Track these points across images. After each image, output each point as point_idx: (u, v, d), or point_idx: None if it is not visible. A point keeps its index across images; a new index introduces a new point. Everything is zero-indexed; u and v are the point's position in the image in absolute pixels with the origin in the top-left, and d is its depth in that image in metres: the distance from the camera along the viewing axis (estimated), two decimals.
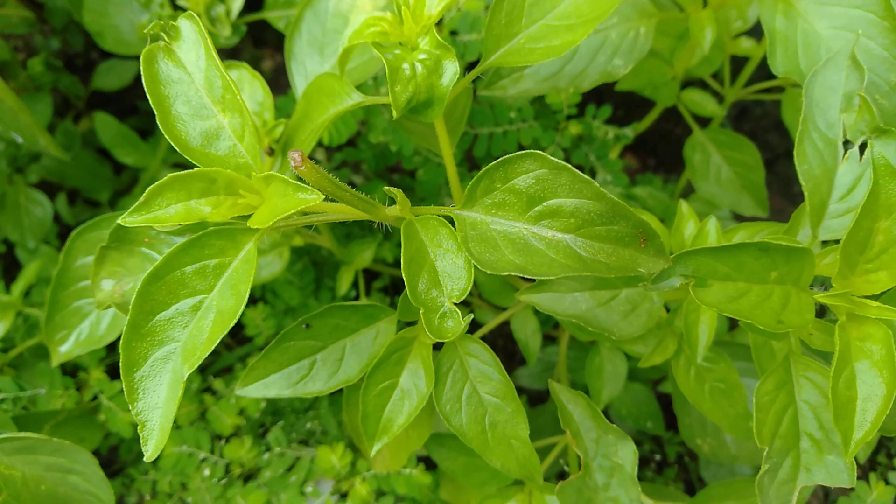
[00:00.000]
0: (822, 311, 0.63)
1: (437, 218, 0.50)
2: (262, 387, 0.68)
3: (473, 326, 1.24)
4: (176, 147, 0.50)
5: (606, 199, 0.46)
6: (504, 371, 0.65)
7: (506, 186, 0.48)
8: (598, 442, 0.69)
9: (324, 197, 0.45)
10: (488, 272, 0.47)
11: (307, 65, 0.74)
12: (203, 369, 1.20)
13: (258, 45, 1.33)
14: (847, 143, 0.61)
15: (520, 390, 1.25)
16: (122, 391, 1.01)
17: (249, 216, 0.48)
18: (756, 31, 0.98)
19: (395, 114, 0.56)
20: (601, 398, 0.87)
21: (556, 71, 0.76)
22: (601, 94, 1.25)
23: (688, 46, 0.90)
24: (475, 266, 0.49)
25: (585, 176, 0.45)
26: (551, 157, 0.46)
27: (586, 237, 0.47)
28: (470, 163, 1.14)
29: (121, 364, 0.47)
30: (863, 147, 0.61)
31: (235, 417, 1.07)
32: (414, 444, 0.76)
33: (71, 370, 1.08)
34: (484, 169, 0.48)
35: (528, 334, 0.92)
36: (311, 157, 0.50)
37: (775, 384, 0.60)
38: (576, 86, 0.76)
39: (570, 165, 0.46)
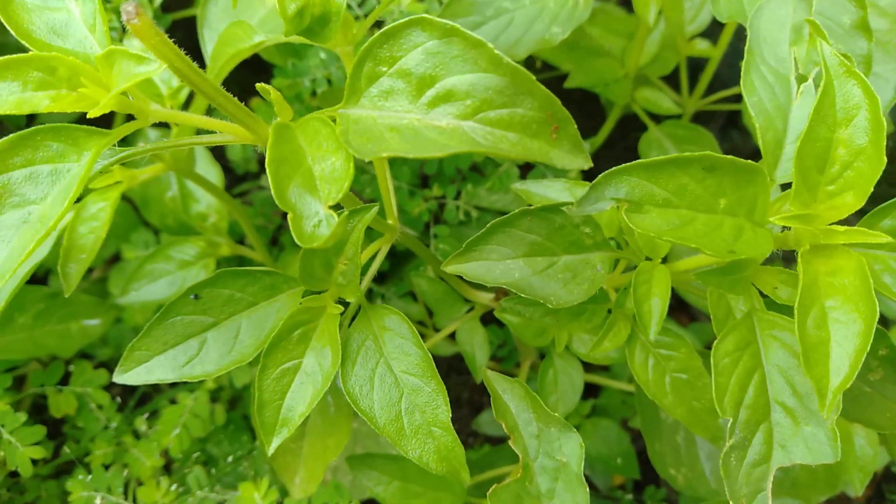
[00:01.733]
0: (788, 260, 0.55)
1: (318, 118, 0.43)
2: (144, 371, 0.58)
3: None
4: (18, 37, 0.43)
5: (504, 66, 0.38)
6: (423, 345, 0.55)
7: (393, 70, 0.41)
8: (539, 437, 0.59)
9: (164, 66, 0.38)
10: (366, 160, 0.39)
11: (220, 30, 0.68)
12: (121, 406, 1.08)
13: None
14: (800, 77, 0.55)
15: (485, 437, 1.13)
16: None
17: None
18: (713, 33, 0.94)
19: (286, 29, 0.49)
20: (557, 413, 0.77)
21: (490, 40, 0.70)
22: None
23: (637, 40, 0.85)
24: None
25: (477, 37, 0.38)
26: (440, 21, 0.39)
27: (486, 124, 0.39)
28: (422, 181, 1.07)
29: None
30: (818, 78, 0.54)
31: (156, 459, 0.95)
32: (331, 454, 0.65)
33: None
34: (365, 46, 0.41)
35: (474, 346, 0.82)
36: None
37: (736, 344, 0.50)
38: (512, 55, 0.70)
39: (460, 27, 0.39)
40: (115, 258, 1.18)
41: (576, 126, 0.40)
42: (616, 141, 1.19)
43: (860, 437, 0.84)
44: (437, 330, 0.96)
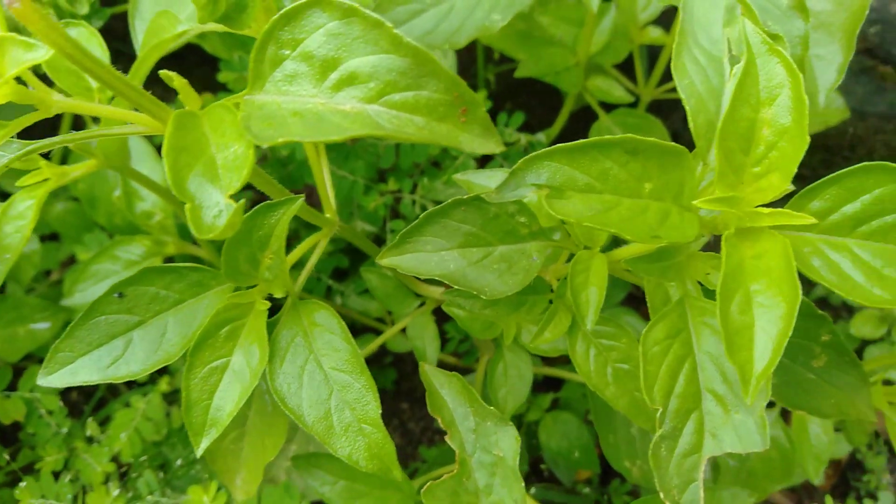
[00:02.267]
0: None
1: (223, 105, 0.41)
2: (68, 374, 0.56)
3: (380, 355, 1.12)
4: None
5: (405, 47, 0.37)
6: (352, 340, 0.54)
7: (296, 53, 0.39)
8: (476, 432, 0.57)
9: (50, 52, 0.36)
10: (264, 146, 0.37)
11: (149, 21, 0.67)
12: (78, 411, 1.06)
13: None
14: (734, 59, 0.54)
15: None
16: None
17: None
18: (668, 21, 0.93)
19: (199, 16, 0.48)
20: (507, 407, 0.75)
21: (431, 28, 0.69)
22: (514, 100, 1.19)
23: (587, 27, 0.84)
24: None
25: (376, 17, 0.37)
26: (340, 0, 0.37)
27: (391, 107, 0.38)
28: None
29: None
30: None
31: (107, 464, 0.93)
32: (269, 454, 0.64)
33: None
34: (266, 28, 0.39)
35: (425, 341, 0.81)
36: None
37: (667, 331, 0.49)
38: (452, 43, 0.69)
39: (359, 7, 0.37)
40: (72, 261, 1.15)
41: (485, 109, 0.39)
42: (578, 132, 1.18)
43: (815, 425, 0.84)
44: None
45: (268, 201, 0.54)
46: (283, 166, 0.98)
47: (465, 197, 0.56)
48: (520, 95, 1.21)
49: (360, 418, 0.53)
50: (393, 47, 0.37)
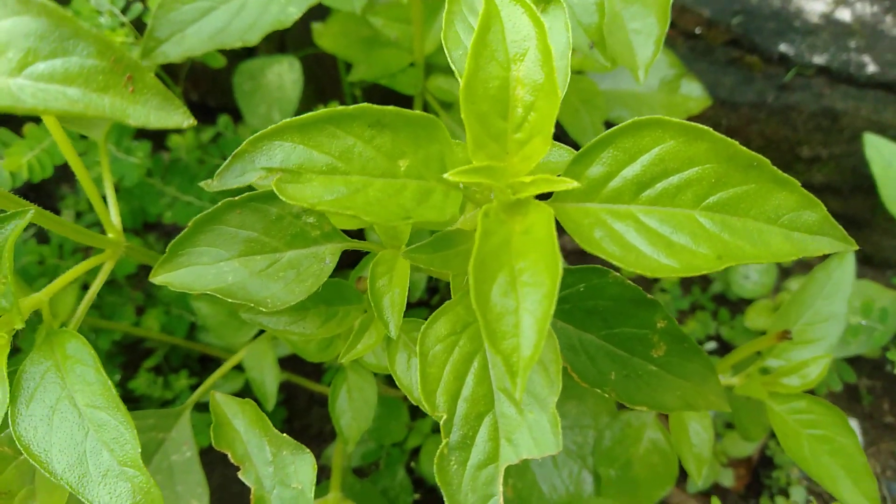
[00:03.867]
0: None
1: None
2: None
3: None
4: None
5: (35, 5, 0.31)
6: (103, 372, 0.47)
7: None
8: (274, 464, 0.51)
9: None
10: None
11: None
12: None
13: None
14: None
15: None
16: None
17: None
18: None
19: None
20: (352, 435, 0.69)
21: (222, 27, 0.64)
22: None
23: (415, 26, 0.80)
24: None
25: None
26: None
27: (37, 79, 0.32)
28: None
29: None
30: None
31: None
32: None
33: None
34: None
35: (264, 372, 0.73)
36: None
37: (451, 326, 0.44)
38: (245, 40, 0.63)
39: None
40: None
41: (154, 76, 0.33)
42: None
43: (695, 423, 0.79)
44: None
45: None
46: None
47: (236, 199, 0.50)
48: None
49: (121, 460, 0.46)
50: (22, 6, 0.31)
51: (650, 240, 0.41)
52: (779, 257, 0.41)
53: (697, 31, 1.16)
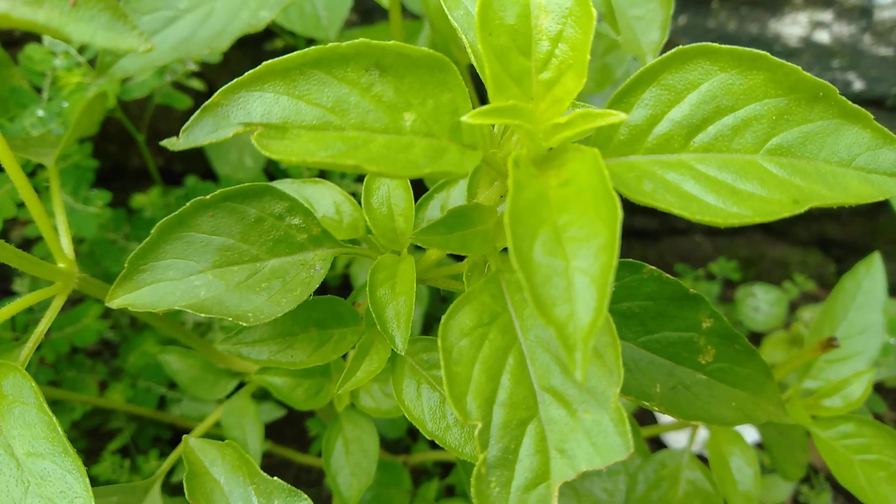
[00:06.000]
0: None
1: None
2: None
3: None
4: None
5: None
6: (47, 410, 0.38)
7: None
8: None
9: None
10: None
11: None
12: None
13: None
14: None
15: None
16: None
17: None
18: None
19: None
20: (352, 495, 0.59)
21: (188, 36, 0.58)
22: None
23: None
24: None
25: None
26: None
27: None
28: None
29: None
30: None
31: None
32: None
33: None
34: None
35: (245, 430, 0.64)
36: None
37: (478, 317, 0.35)
38: (213, 48, 0.57)
39: None
40: None
41: None
42: None
43: (737, 458, 0.70)
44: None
45: None
46: None
47: (207, 198, 0.42)
48: None
49: None
50: None
51: (712, 188, 0.34)
52: (861, 199, 0.34)
53: None
